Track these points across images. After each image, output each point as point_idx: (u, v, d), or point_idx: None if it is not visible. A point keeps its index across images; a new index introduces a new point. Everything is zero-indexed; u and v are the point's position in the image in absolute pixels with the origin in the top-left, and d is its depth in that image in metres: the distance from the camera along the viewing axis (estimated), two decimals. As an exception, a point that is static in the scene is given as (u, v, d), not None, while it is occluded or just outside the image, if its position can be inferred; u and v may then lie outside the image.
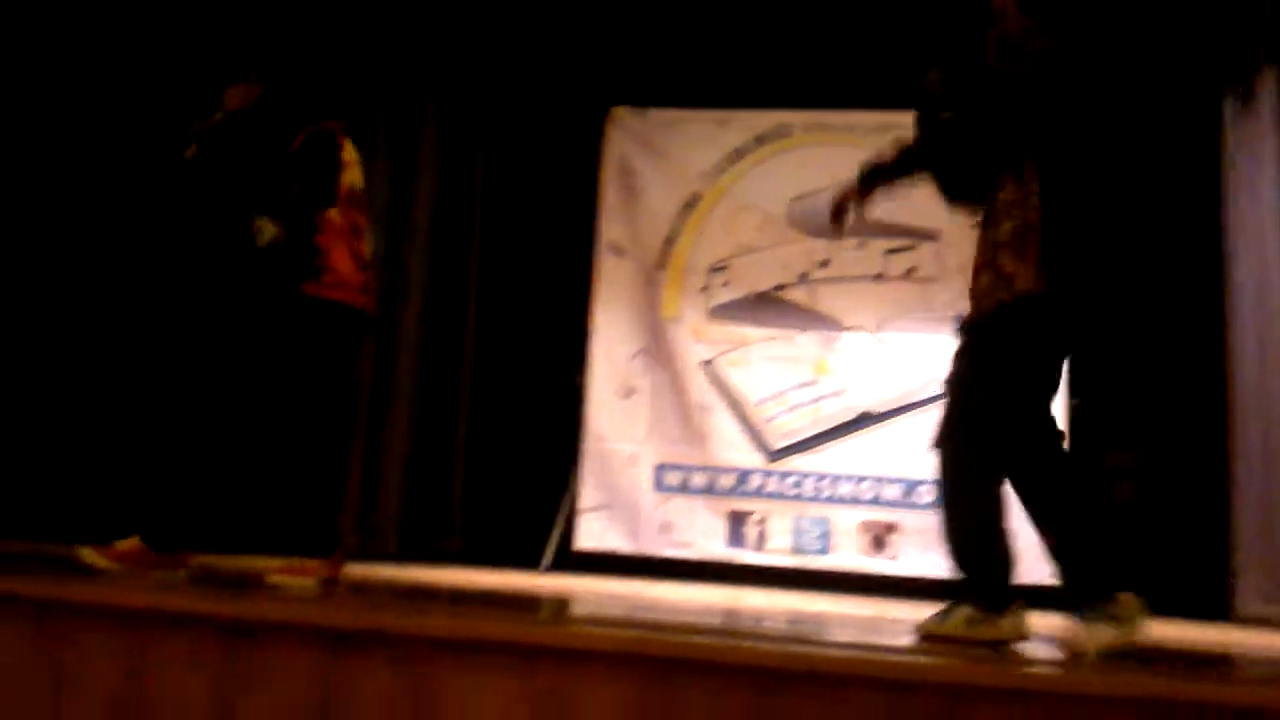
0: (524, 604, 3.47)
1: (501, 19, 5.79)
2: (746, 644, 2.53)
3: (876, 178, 3.12)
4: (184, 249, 5.45)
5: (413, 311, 5.75)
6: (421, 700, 2.44)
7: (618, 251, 5.86)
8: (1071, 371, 5.35)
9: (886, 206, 5.61)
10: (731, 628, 3.15)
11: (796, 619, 3.74)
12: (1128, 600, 2.81)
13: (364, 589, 3.57)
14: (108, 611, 2.55)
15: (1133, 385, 5.51)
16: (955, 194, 3.15)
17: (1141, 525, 5.31)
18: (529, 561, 5.47)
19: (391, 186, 5.76)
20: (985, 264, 2.92)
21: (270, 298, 3.44)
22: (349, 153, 3.53)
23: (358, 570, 4.57)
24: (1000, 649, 2.86)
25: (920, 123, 3.10)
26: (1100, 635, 2.81)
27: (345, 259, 3.43)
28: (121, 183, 5.49)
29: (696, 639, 2.58)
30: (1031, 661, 2.68)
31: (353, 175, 3.52)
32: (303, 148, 3.45)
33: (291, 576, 3.31)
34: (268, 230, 3.44)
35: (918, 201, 5.58)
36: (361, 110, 5.79)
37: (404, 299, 5.74)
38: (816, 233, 5.69)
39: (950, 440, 2.97)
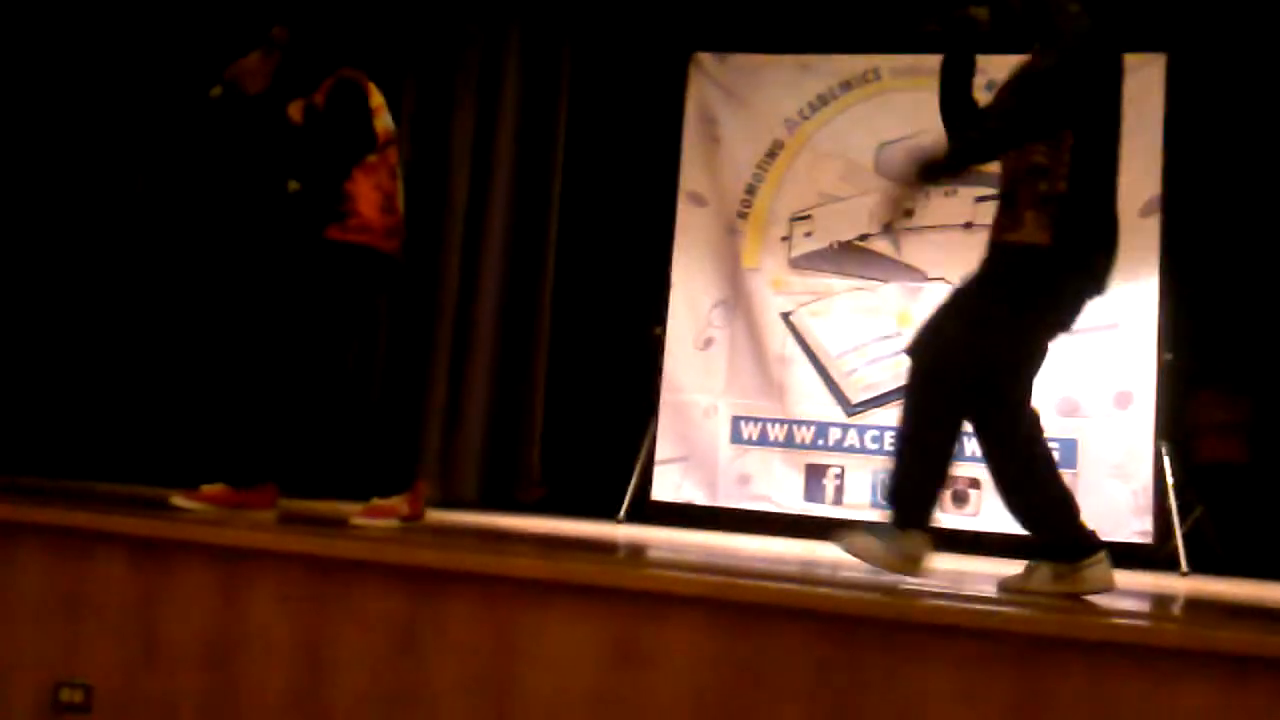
0: (602, 548, 3.48)
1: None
2: (827, 590, 2.51)
3: (939, 176, 3.06)
4: (219, 205, 5.54)
5: (492, 258, 5.76)
6: (502, 638, 2.46)
7: (698, 201, 5.80)
8: (1169, 326, 5.23)
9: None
10: (810, 575, 3.13)
11: (875, 570, 3.71)
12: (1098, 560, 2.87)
13: (446, 531, 3.61)
14: (201, 548, 2.61)
15: (1239, 337, 5.34)
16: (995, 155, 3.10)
17: (1253, 483, 5.18)
18: (607, 512, 5.49)
19: (475, 128, 5.77)
20: (1007, 220, 2.94)
21: (295, 242, 3.48)
22: (376, 98, 3.53)
23: (438, 516, 4.63)
24: (1081, 601, 2.82)
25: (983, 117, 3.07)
26: (1050, 584, 2.85)
27: (373, 205, 3.45)
28: (157, 128, 5.57)
29: (775, 585, 2.56)
30: (1110, 613, 2.61)
31: (384, 120, 3.52)
32: (329, 101, 3.44)
33: (371, 518, 3.36)
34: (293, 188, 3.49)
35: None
36: (443, 48, 5.83)
37: (484, 245, 5.75)
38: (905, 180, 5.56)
39: (940, 372, 2.93)
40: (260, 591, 2.58)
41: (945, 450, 2.99)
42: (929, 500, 3.00)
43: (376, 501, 3.42)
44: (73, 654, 2.67)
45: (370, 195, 3.45)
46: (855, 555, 2.89)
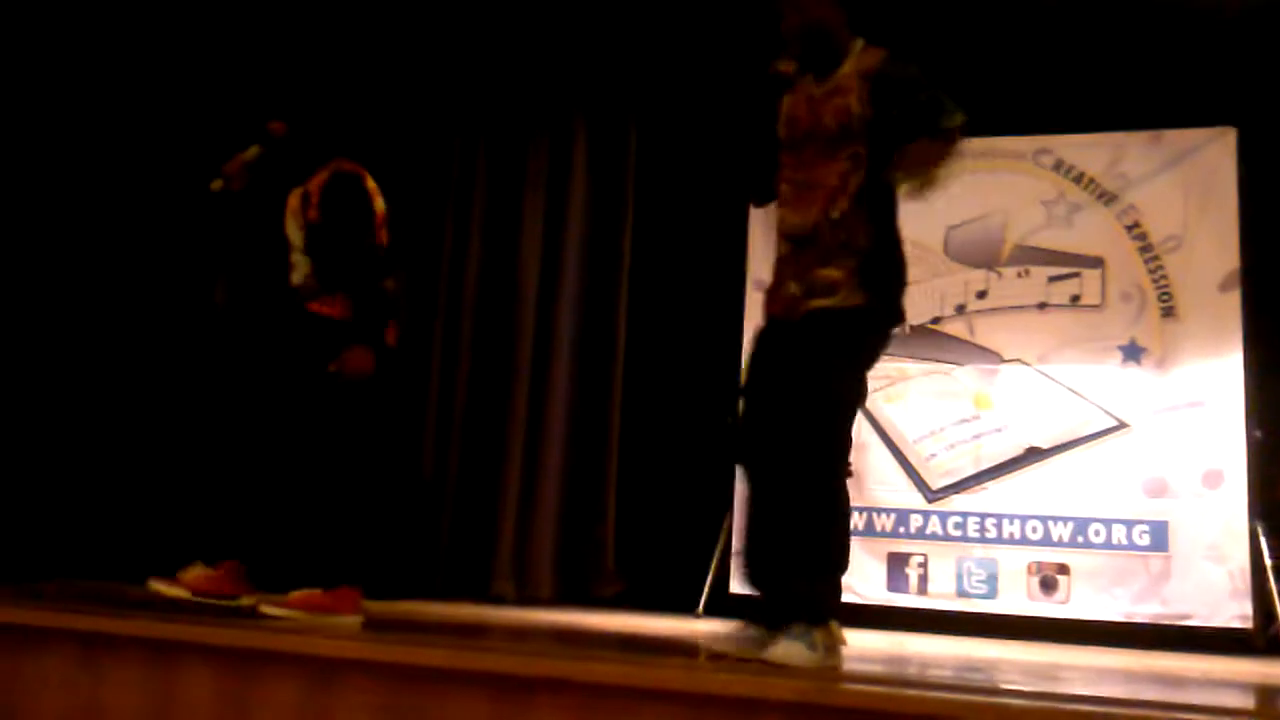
0: (684, 649, 3.41)
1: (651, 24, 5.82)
2: (924, 694, 2.43)
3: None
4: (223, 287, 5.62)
5: (562, 350, 5.80)
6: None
7: (766, 288, 5.78)
8: (1256, 402, 5.08)
9: (1049, 233, 5.49)
10: (902, 675, 3.03)
11: (967, 665, 3.59)
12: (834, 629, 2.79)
13: (525, 633, 3.57)
14: (289, 658, 2.60)
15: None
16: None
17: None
18: (685, 606, 5.41)
19: (545, 219, 5.86)
20: (797, 273, 2.92)
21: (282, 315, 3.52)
22: (370, 183, 3.58)
23: (514, 614, 4.59)
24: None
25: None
26: (799, 656, 2.70)
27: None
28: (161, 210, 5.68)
29: (870, 688, 2.48)
30: (1219, 711, 2.49)
31: (378, 203, 3.57)
32: (330, 200, 3.48)
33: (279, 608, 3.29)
34: (301, 266, 3.52)
35: (1080, 228, 5.46)
36: (512, 141, 5.94)
37: (554, 337, 5.79)
38: (976, 263, 5.54)
39: (809, 439, 2.80)
40: (345, 702, 2.56)
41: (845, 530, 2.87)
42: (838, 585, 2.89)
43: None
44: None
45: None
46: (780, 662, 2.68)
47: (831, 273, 2.89)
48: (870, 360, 2.97)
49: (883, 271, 2.93)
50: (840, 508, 2.92)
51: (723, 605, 5.43)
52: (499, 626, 3.46)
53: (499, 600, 5.43)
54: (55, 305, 5.53)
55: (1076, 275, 5.44)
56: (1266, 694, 3.28)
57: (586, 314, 5.86)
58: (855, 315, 2.87)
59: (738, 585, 5.51)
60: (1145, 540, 5.12)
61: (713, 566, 5.55)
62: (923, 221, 5.61)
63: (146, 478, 5.50)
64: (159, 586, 3.36)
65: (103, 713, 2.73)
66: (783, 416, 2.87)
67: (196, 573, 3.41)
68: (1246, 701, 2.87)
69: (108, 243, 5.70)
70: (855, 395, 2.93)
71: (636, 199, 5.92)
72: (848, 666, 2.91)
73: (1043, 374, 5.40)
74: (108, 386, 5.59)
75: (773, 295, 3.08)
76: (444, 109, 5.99)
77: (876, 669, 3.10)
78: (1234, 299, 5.22)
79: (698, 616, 5.29)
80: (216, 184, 3.54)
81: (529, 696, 2.45)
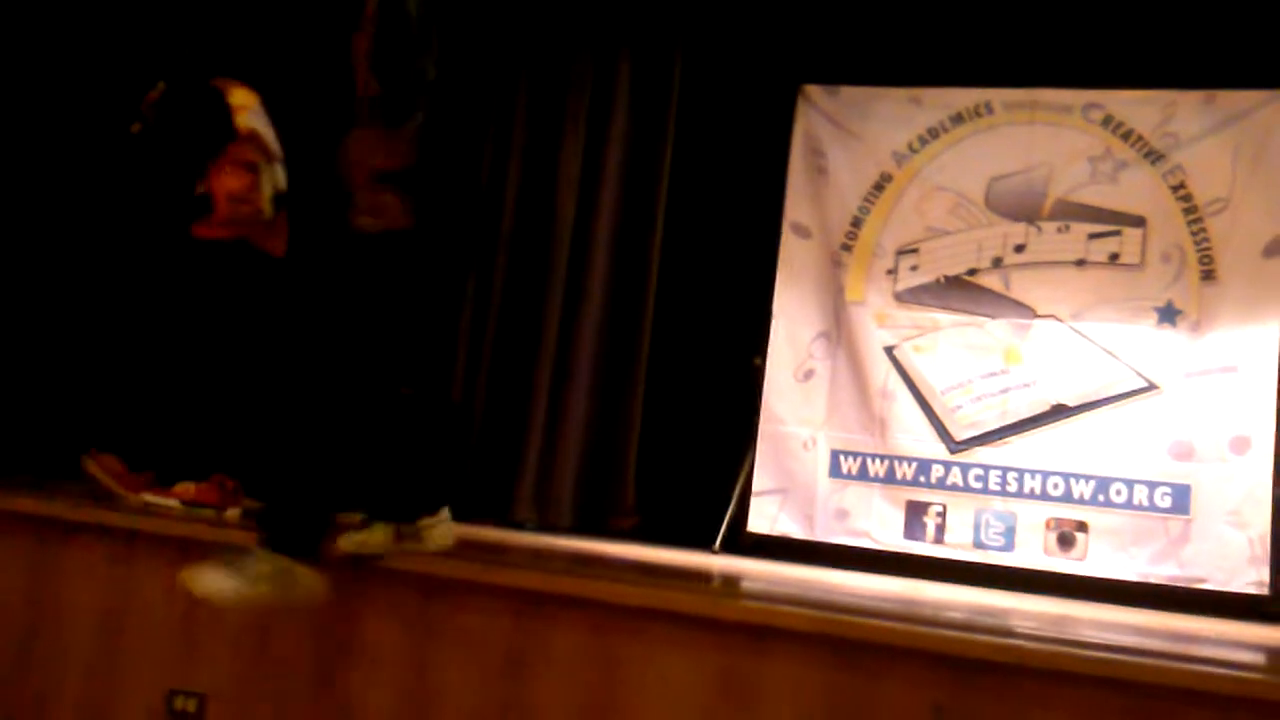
0: (701, 578, 3.47)
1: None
2: (943, 632, 2.46)
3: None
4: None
5: (595, 285, 5.80)
6: (607, 664, 2.46)
7: (802, 232, 5.77)
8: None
9: (1092, 189, 5.44)
10: (917, 614, 3.07)
11: (980, 611, 3.63)
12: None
13: (546, 555, 3.63)
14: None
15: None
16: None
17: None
18: (701, 542, 5.46)
19: (583, 155, 5.84)
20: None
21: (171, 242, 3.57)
22: (238, 97, 3.57)
23: (534, 539, 4.66)
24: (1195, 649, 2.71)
25: None
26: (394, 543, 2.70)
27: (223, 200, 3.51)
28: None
29: (886, 623, 2.52)
30: (1231, 665, 2.51)
31: (243, 119, 3.57)
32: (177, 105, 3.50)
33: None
34: None
35: (1125, 185, 5.40)
36: (554, 76, 5.90)
37: (587, 272, 5.80)
38: (1016, 216, 5.49)
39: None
40: (371, 607, 2.62)
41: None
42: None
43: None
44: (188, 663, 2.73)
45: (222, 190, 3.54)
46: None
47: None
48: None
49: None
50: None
51: (739, 543, 5.50)
52: (520, 547, 3.52)
53: (520, 526, 5.50)
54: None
55: (1117, 233, 5.38)
56: (1278, 655, 3.30)
57: (620, 250, 5.85)
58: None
59: (755, 525, 5.58)
60: (1167, 502, 5.12)
61: (732, 504, 5.59)
62: (966, 172, 5.59)
63: (137, 388, 5.59)
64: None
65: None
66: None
67: (186, 486, 3.53)
68: (1257, 659, 2.89)
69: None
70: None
71: (677, 135, 5.88)
72: (864, 604, 2.95)
73: (1075, 331, 5.37)
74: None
75: None
76: (483, 37, 5.96)
77: (891, 608, 3.14)
78: (1277, 265, 5.16)
79: (714, 552, 5.35)
80: (136, 127, 3.60)
81: (549, 612, 2.51)
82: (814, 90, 5.84)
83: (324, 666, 2.61)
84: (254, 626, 2.66)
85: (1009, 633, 2.72)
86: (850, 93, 5.82)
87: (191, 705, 2.69)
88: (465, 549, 3.39)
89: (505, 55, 5.98)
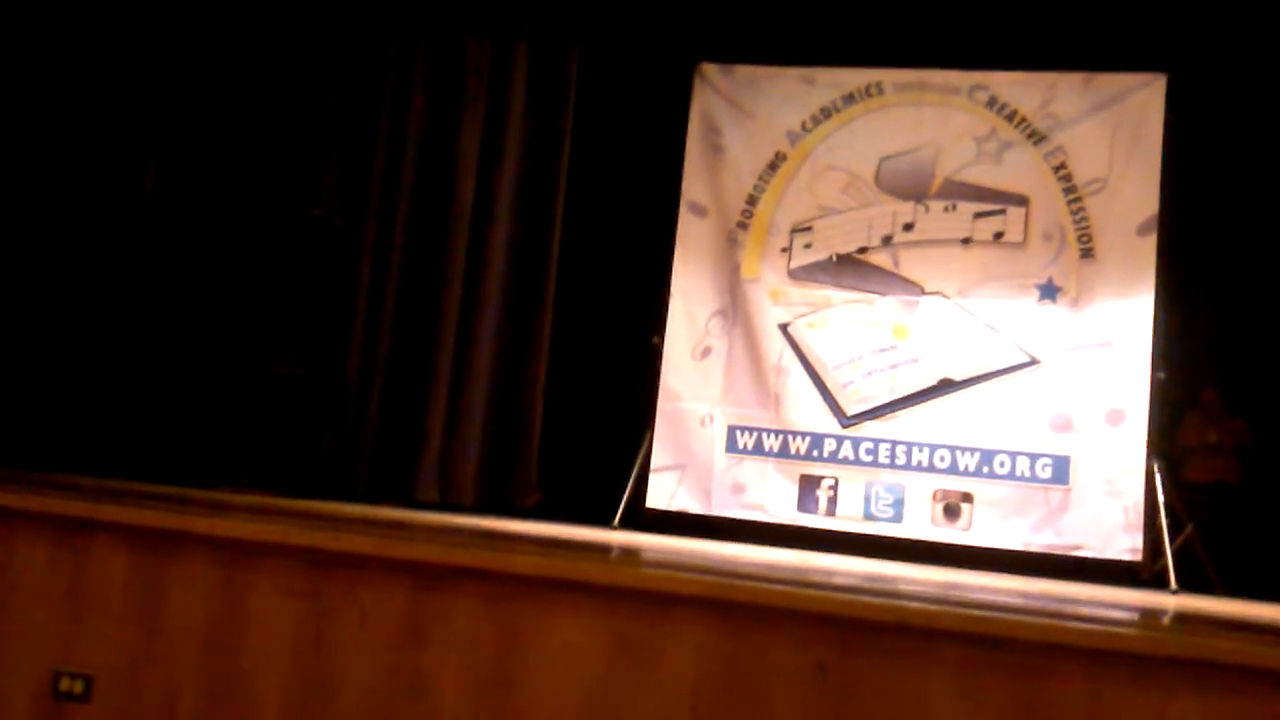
0: (601, 550, 3.50)
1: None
2: (827, 594, 2.53)
3: None
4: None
5: (495, 265, 5.79)
6: (507, 634, 2.48)
7: (699, 211, 5.83)
8: (1163, 345, 5.26)
9: (978, 169, 5.60)
10: (807, 579, 3.15)
11: (868, 578, 3.73)
12: None
13: (447, 530, 3.63)
14: (204, 540, 2.62)
15: (1234, 357, 5.40)
16: None
17: (1245, 503, 5.22)
18: (602, 519, 5.50)
19: (482, 138, 5.81)
20: None
21: None
22: None
23: (436, 518, 4.64)
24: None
25: None
26: None
27: None
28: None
29: (775, 587, 2.58)
30: (1106, 621, 2.64)
31: None
32: None
33: None
34: None
35: (1009, 165, 5.57)
36: (451, 60, 5.87)
37: (487, 253, 5.78)
38: (905, 195, 5.62)
39: None
40: (262, 584, 2.59)
41: None
42: None
43: None
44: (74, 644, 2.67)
45: None
46: None
47: None
48: None
49: None
50: None
51: (638, 518, 5.56)
52: (420, 523, 3.51)
53: (422, 505, 5.48)
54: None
55: (1002, 212, 5.55)
56: (1148, 614, 3.47)
57: (521, 231, 5.86)
58: None
59: (654, 500, 5.64)
60: (1047, 473, 5.32)
61: (631, 481, 5.64)
62: (857, 152, 5.71)
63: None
64: None
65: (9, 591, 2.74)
66: None
67: None
68: (1129, 616, 3.03)
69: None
70: None
71: (576, 117, 5.89)
72: (755, 571, 3.01)
73: (961, 308, 5.53)
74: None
75: None
76: (377, 21, 5.90)
77: (782, 574, 3.22)
78: (1150, 243, 5.38)
79: (614, 528, 5.39)
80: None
81: (449, 584, 2.51)
82: (710, 69, 5.89)
83: (214, 644, 2.57)
84: (142, 603, 2.61)
85: (893, 594, 2.80)
86: (745, 72, 5.89)
87: (79, 686, 2.63)
88: (362, 524, 3.37)
89: (400, 40, 5.92)
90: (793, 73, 5.84)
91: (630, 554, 3.58)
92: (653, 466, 5.67)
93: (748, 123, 5.84)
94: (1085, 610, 2.89)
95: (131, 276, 5.62)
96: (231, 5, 5.74)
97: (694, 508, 5.62)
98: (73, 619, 2.67)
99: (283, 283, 5.71)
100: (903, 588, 3.25)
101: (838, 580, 3.29)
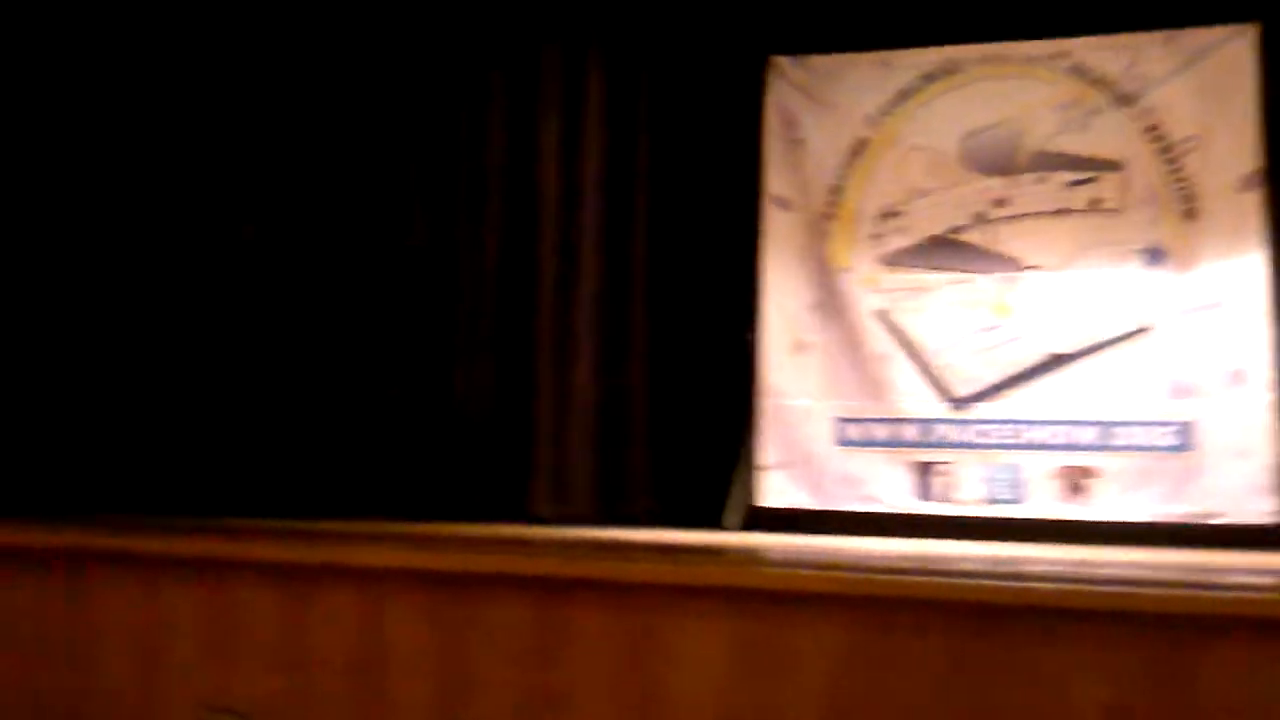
0: (721, 553, 3.50)
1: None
2: (958, 581, 2.50)
3: None
4: None
5: (587, 271, 5.81)
6: (637, 644, 2.49)
7: (784, 205, 5.80)
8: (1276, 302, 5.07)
9: (1066, 138, 5.47)
10: (933, 568, 3.11)
11: (996, 562, 3.66)
12: None
13: (565, 544, 3.66)
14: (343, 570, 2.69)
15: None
16: None
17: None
18: (714, 521, 5.50)
19: (561, 148, 5.85)
20: None
21: None
22: None
23: (556, 532, 4.69)
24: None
25: None
26: None
27: None
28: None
29: (902, 578, 2.56)
30: (1246, 588, 2.56)
31: None
32: None
33: None
34: None
35: (1098, 131, 5.43)
36: (526, 70, 5.93)
37: (577, 259, 5.80)
38: (993, 170, 5.52)
39: None
40: (399, 611, 2.64)
41: None
42: None
43: None
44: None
45: None
46: None
47: None
48: None
49: None
50: None
51: (752, 519, 5.54)
52: (542, 539, 3.54)
53: (538, 520, 5.52)
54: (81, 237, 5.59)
55: (1096, 179, 5.42)
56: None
57: (608, 237, 5.86)
58: None
59: (765, 499, 5.61)
60: (1171, 441, 5.17)
61: (740, 481, 5.63)
62: (940, 131, 5.61)
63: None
64: None
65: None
66: None
67: None
68: (1275, 582, 2.93)
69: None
70: None
71: (651, 120, 5.88)
72: (880, 564, 2.99)
73: (1063, 280, 5.41)
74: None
75: None
76: (452, 34, 5.99)
77: (907, 564, 3.18)
78: (1254, 198, 5.20)
79: (728, 530, 5.38)
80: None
81: (576, 597, 2.53)
82: (783, 62, 5.86)
83: (357, 669, 2.63)
84: (289, 638, 2.69)
85: (1024, 576, 2.76)
86: (819, 61, 5.84)
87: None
88: (488, 543, 3.42)
89: (475, 52, 6.00)
90: (868, 58, 5.78)
91: (751, 554, 3.58)
92: (760, 465, 5.64)
93: (826, 112, 5.79)
94: (1233, 579, 2.81)
95: (236, 321, 5.78)
96: (303, 51, 5.89)
97: (806, 503, 5.58)
98: (221, 657, 2.75)
99: (384, 313, 5.83)
100: (1033, 569, 3.19)
101: (965, 566, 3.25)
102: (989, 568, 3.29)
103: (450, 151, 6.00)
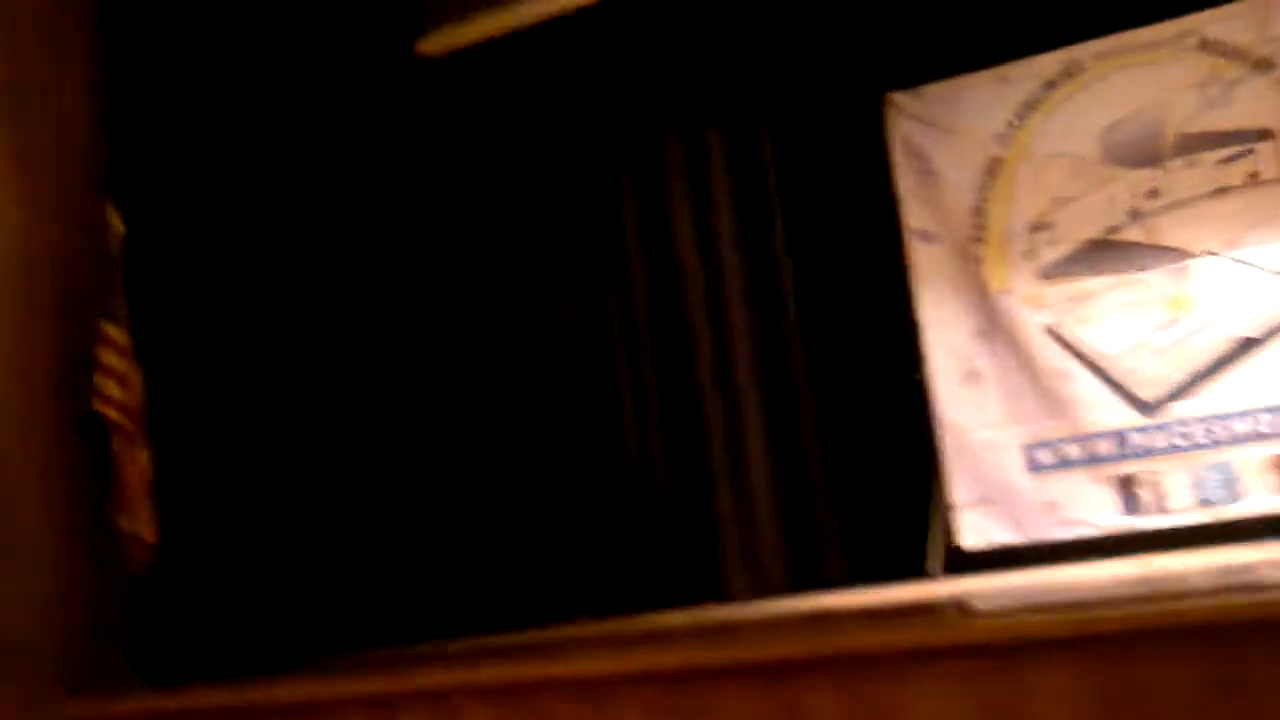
0: (940, 608, 3.39)
1: (761, 28, 5.81)
2: (1202, 601, 2.36)
3: None
4: None
5: (743, 353, 5.77)
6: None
7: (927, 237, 5.69)
8: None
9: (1208, 116, 5.24)
10: (1168, 590, 2.94)
11: (1227, 572, 3.45)
12: None
13: (777, 622, 3.60)
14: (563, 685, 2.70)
15: None
16: None
17: None
18: (911, 571, 5.35)
19: (695, 223, 5.89)
20: None
21: None
22: None
23: (757, 608, 4.63)
24: None
25: None
26: None
27: None
28: None
29: (1144, 607, 2.42)
30: None
31: None
32: None
33: None
34: None
35: (1241, 103, 5.19)
36: (651, 152, 6.01)
37: (729, 331, 5.79)
38: (1139, 163, 5.33)
39: None
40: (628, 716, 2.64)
41: None
42: None
43: None
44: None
45: None
46: None
47: None
48: None
49: None
50: None
51: (952, 562, 5.36)
52: (749, 620, 3.50)
53: (734, 597, 5.46)
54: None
55: (1249, 152, 5.17)
56: None
57: (756, 303, 5.83)
58: None
59: (962, 540, 5.43)
60: (1392, 412, 4.82)
61: (933, 526, 5.47)
62: (1075, 133, 5.45)
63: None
64: None
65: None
66: None
67: None
68: None
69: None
70: None
71: (779, 178, 5.87)
72: (1110, 594, 2.85)
73: (1236, 260, 5.14)
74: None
75: None
76: (577, 128, 6.13)
77: (1138, 590, 3.02)
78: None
79: (928, 579, 5.23)
80: None
81: (801, 677, 2.48)
82: (900, 97, 5.80)
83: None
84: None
85: (1263, 586, 2.59)
86: (936, 90, 5.76)
87: None
88: (698, 631, 3.39)
89: (601, 154, 6.10)
90: (984, 77, 5.67)
91: (969, 603, 3.46)
92: (952, 505, 5.48)
93: (952, 139, 5.69)
94: None
95: (414, 446, 5.90)
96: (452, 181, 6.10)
97: (1007, 538, 5.38)
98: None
99: (550, 419, 5.91)
100: (1271, 575, 3.00)
101: (1196, 582, 3.07)
102: (1221, 580, 3.10)
103: (591, 252, 6.10)
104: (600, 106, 6.07)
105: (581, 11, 5.58)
